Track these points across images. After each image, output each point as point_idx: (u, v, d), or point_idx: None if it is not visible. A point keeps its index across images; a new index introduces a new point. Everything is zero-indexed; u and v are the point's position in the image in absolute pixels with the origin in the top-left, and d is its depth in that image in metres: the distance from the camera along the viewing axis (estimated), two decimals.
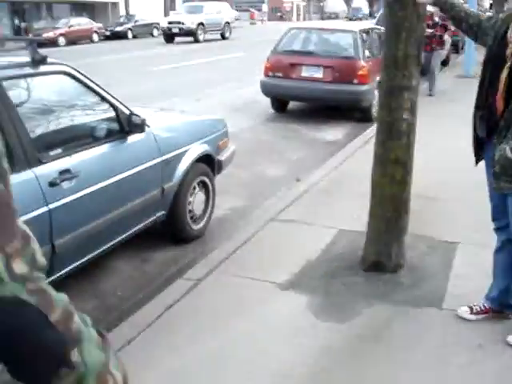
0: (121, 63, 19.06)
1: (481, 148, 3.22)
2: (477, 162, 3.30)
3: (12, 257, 0.95)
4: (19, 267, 0.95)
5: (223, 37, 31.75)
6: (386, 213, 3.89)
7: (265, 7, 66.84)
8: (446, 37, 11.80)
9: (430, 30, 10.57)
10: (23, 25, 34.51)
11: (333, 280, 3.89)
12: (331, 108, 10.36)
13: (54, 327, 0.99)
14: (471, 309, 3.42)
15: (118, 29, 34.99)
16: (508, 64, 2.89)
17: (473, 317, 3.39)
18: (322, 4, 69.35)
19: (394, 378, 2.91)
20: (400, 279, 3.88)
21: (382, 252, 3.95)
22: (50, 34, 28.55)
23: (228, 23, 32.46)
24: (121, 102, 4.08)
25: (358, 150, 7.25)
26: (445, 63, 18.32)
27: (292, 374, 2.93)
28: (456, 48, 20.56)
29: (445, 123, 8.81)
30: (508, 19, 3.04)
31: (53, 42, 26.61)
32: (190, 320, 3.44)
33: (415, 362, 3.03)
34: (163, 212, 4.47)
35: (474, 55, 15.43)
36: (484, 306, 3.42)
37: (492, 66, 3.02)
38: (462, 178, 5.87)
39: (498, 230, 3.32)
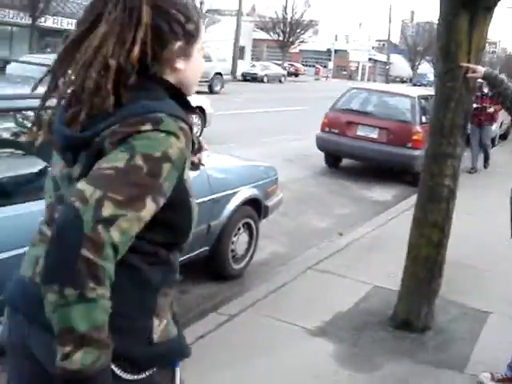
0: None
1: None
2: None
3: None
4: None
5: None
6: (419, 273, 4.01)
7: (330, 64, 67.96)
8: (495, 110, 11.18)
9: (476, 105, 9.86)
10: None
11: (361, 333, 4.01)
12: (383, 169, 10.51)
13: None
14: (492, 375, 3.48)
15: None
16: None
17: (493, 383, 3.45)
18: (387, 67, 70.11)
19: None
20: (427, 340, 3.97)
21: (412, 311, 4.05)
22: None
23: None
24: None
25: (404, 212, 7.35)
26: (504, 137, 18.29)
27: None
28: None
29: (496, 195, 8.83)
30: None
31: None
32: (218, 351, 3.61)
33: None
34: (207, 248, 4.68)
35: None
36: (506, 374, 3.48)
37: None
38: (502, 250, 5.92)
39: None
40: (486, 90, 10.79)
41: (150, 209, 1.33)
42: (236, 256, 5.03)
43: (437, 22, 4.02)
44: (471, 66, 3.74)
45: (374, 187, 9.68)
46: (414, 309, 4.06)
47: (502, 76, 3.65)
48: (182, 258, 4.42)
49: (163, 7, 1.44)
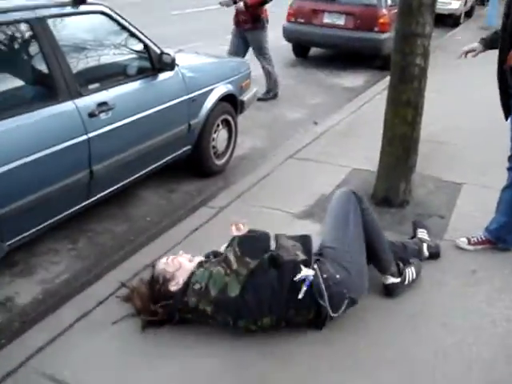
0: (141, 7, 19.08)
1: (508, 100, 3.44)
2: (506, 117, 3.50)
3: None
4: None
5: None
6: (395, 151, 4.19)
7: None
8: None
9: None
10: None
11: None
12: (352, 55, 10.52)
13: None
14: (469, 240, 3.75)
15: None
16: None
17: (470, 247, 3.72)
18: None
19: None
20: (406, 213, 4.22)
21: (391, 188, 4.27)
22: None
23: None
24: (152, 42, 4.36)
25: (375, 96, 7.51)
26: (469, 15, 18.21)
27: None
28: (482, 0, 20.36)
29: (463, 73, 8.98)
30: None
31: None
32: (212, 241, 3.79)
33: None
34: (189, 147, 4.80)
35: (498, 7, 15.35)
36: (481, 237, 3.74)
37: None
38: (473, 124, 6.14)
39: (511, 169, 3.56)
40: None
41: None
42: (217, 152, 5.17)
43: None
44: (466, 48, 3.78)
45: (345, 74, 9.74)
46: (393, 185, 4.27)
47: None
48: (166, 159, 4.57)
49: None
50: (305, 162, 5.21)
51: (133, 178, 4.24)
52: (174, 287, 2.89)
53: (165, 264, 3.00)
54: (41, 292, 3.51)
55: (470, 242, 3.75)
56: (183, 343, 2.83)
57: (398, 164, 4.22)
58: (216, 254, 3.12)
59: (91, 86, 3.80)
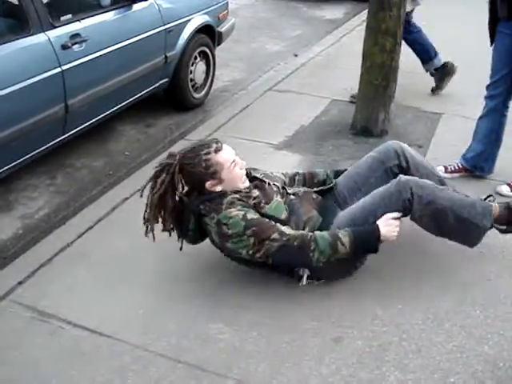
0: None
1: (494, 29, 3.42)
2: (492, 42, 3.49)
3: None
4: None
5: None
6: (374, 80, 4.16)
7: None
8: None
9: None
10: None
11: (324, 142, 4.24)
12: None
13: None
14: (446, 168, 3.78)
15: None
16: None
17: (447, 175, 3.74)
18: None
19: None
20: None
21: (370, 118, 4.27)
22: None
23: None
24: None
25: (355, 28, 7.39)
26: None
27: None
28: None
29: (446, 4, 8.85)
30: None
31: None
32: None
33: None
34: (166, 79, 4.73)
35: None
36: (458, 165, 3.77)
37: None
38: (453, 56, 6.07)
39: (489, 97, 3.57)
40: None
41: None
42: (196, 85, 5.10)
43: None
44: None
45: (326, 6, 9.54)
46: (372, 115, 4.26)
47: None
48: (143, 92, 4.50)
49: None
50: (284, 94, 5.16)
51: (109, 111, 4.19)
52: (211, 187, 2.62)
53: (224, 158, 2.63)
54: (21, 227, 3.51)
55: (446, 170, 3.77)
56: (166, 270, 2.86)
57: (377, 93, 4.20)
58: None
59: (63, 18, 3.71)
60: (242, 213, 2.48)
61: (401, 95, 4.61)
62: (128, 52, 4.13)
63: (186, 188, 2.66)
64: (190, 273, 2.84)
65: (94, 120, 4.05)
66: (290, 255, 2.48)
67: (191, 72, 4.96)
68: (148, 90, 4.56)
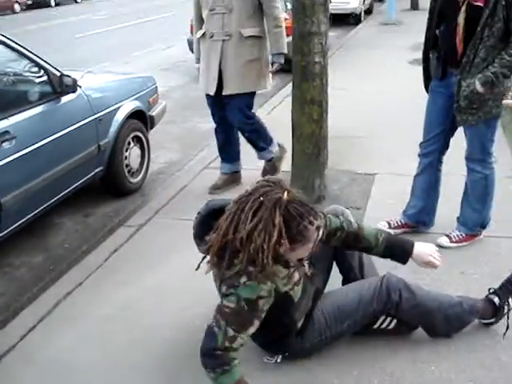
0: (47, 32, 18.72)
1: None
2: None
3: None
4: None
5: None
6: (306, 149, 4.26)
7: None
8: None
9: None
10: None
11: None
12: None
13: None
14: (389, 224, 3.85)
15: None
16: (463, 8, 3.17)
17: (391, 231, 3.81)
18: None
19: None
20: (323, 208, 4.25)
21: (306, 185, 4.33)
22: None
23: None
24: (51, 65, 4.26)
25: (285, 99, 7.59)
26: (369, 12, 18.80)
27: None
28: None
29: (368, 68, 9.27)
30: None
31: None
32: (134, 260, 3.76)
33: None
34: (101, 168, 4.72)
35: (395, 3, 15.99)
36: (401, 221, 3.86)
37: (445, 11, 3.30)
38: (380, 117, 6.32)
39: (423, 155, 3.71)
40: None
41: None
42: (132, 170, 5.10)
43: None
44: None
45: None
46: (308, 183, 4.33)
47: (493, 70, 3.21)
48: (79, 183, 4.46)
49: None
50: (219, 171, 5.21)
51: (45, 206, 4.12)
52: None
53: (315, 238, 2.29)
54: None
55: (390, 226, 3.85)
56: None
57: (310, 161, 4.30)
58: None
59: None
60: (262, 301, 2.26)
61: (334, 160, 4.73)
62: (59, 145, 4.11)
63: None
64: (142, 363, 2.76)
65: (29, 216, 3.97)
66: None
67: (126, 158, 4.97)
68: (83, 180, 4.53)
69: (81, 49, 13.74)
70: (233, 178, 4.94)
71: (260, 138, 4.84)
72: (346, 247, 2.75)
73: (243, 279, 2.23)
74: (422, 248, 2.73)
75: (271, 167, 4.91)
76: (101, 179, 4.85)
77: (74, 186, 4.43)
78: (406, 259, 2.73)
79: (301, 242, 2.24)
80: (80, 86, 4.44)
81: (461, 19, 3.20)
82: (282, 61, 4.70)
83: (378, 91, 7.70)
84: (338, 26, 14.88)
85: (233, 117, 4.65)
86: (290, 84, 8.32)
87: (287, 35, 9.45)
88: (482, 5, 3.12)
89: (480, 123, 3.35)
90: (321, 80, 4.15)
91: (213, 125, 4.99)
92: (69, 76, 4.25)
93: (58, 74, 4.24)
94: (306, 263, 2.55)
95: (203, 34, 4.52)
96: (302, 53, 4.10)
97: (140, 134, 5.18)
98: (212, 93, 4.58)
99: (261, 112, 7.20)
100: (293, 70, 4.24)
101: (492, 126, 3.42)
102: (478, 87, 3.19)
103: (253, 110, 4.82)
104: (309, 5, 3.99)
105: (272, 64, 4.71)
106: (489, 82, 3.16)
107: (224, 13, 4.36)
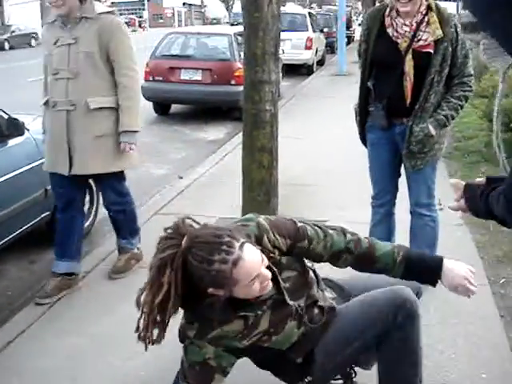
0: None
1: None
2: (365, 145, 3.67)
3: None
4: None
5: None
6: (257, 196, 4.28)
7: (146, 14, 66.60)
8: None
9: None
10: None
11: None
12: (213, 109, 10.73)
13: None
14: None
15: None
16: (409, 57, 3.22)
17: None
18: (203, 10, 70.00)
19: None
20: None
21: None
22: None
23: None
24: None
25: (237, 147, 7.63)
26: (321, 63, 19.28)
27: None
28: (331, 48, 21.65)
29: (320, 117, 9.44)
30: (377, 14, 3.34)
31: None
32: (80, 309, 3.66)
33: None
34: (48, 213, 4.62)
35: (346, 55, 16.47)
36: None
37: (386, 61, 3.34)
38: (329, 164, 6.42)
39: (377, 206, 3.71)
40: None
41: None
42: None
43: None
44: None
45: (207, 128, 9.90)
46: None
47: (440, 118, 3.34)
48: (24, 228, 4.34)
49: None
50: (170, 217, 5.11)
51: None
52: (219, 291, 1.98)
53: (243, 275, 1.93)
54: None
55: None
56: None
57: (260, 208, 4.29)
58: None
59: None
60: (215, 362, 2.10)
61: (284, 206, 4.75)
62: (4, 188, 4.02)
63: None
64: None
65: None
66: None
67: None
68: (29, 225, 4.42)
69: (32, 93, 13.60)
70: (68, 282, 3.94)
71: (126, 224, 4.26)
72: (359, 270, 2.36)
73: (191, 333, 2.12)
74: (455, 266, 2.18)
75: (123, 261, 4.22)
76: (47, 224, 4.74)
77: (20, 230, 4.32)
78: (435, 281, 2.21)
79: (229, 286, 1.93)
80: (28, 130, 4.37)
81: (408, 67, 3.23)
82: (134, 140, 3.94)
83: (328, 139, 7.84)
84: (291, 76, 15.18)
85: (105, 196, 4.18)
86: (241, 132, 8.56)
87: (239, 84, 9.87)
88: (431, 51, 3.19)
89: (427, 167, 3.42)
90: (271, 127, 4.21)
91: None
92: (16, 119, 4.19)
93: (6, 116, 4.18)
94: (297, 304, 2.20)
95: (46, 102, 3.83)
96: (253, 101, 4.15)
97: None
98: (65, 173, 3.81)
99: (213, 159, 7.26)
100: (243, 117, 4.29)
101: (435, 168, 3.52)
102: (432, 130, 3.27)
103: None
104: (260, 54, 4.06)
105: (120, 144, 3.86)
106: (441, 125, 3.25)
107: (69, 78, 3.65)
